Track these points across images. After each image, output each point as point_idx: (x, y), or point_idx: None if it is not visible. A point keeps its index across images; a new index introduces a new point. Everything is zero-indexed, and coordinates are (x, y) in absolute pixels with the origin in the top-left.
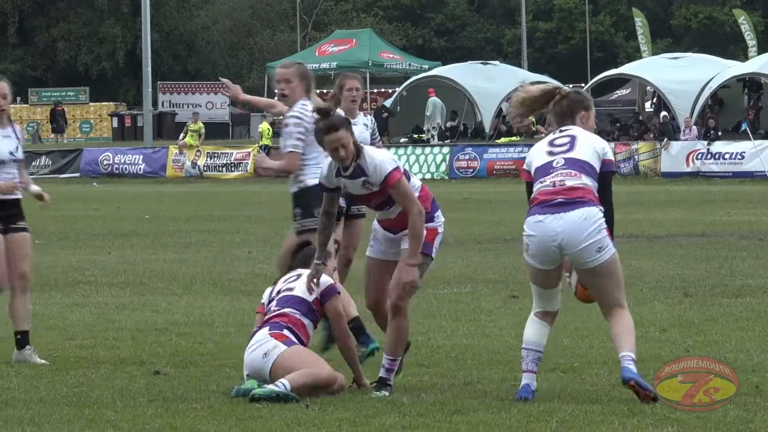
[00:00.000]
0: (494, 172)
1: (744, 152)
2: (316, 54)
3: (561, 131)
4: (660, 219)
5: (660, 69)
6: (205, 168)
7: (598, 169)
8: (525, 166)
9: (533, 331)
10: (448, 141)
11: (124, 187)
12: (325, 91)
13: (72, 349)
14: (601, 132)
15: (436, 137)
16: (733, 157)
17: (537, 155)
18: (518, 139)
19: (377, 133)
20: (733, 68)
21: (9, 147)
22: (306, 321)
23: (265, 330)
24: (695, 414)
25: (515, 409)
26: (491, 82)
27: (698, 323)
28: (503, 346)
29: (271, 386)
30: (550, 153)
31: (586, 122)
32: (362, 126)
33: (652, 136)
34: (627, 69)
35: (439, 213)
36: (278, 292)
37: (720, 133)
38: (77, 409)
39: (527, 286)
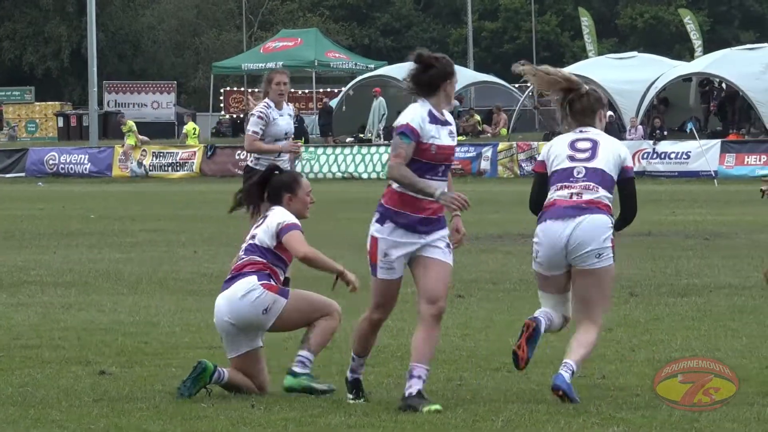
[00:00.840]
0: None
1: (690, 152)
2: (262, 53)
3: (582, 131)
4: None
5: (606, 69)
6: (150, 167)
7: (616, 178)
8: (542, 157)
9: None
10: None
11: (69, 187)
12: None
13: (17, 349)
14: (548, 134)
15: (376, 139)
16: (678, 156)
17: (558, 155)
18: (464, 138)
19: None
20: (678, 68)
21: None
22: (278, 270)
23: (254, 278)
24: (640, 413)
25: (461, 408)
26: None
27: (644, 323)
28: (449, 346)
29: (304, 379)
30: (572, 158)
31: (603, 121)
32: (287, 116)
33: None
34: (573, 69)
35: None
36: (252, 237)
37: (666, 133)
38: (22, 409)
39: (474, 286)
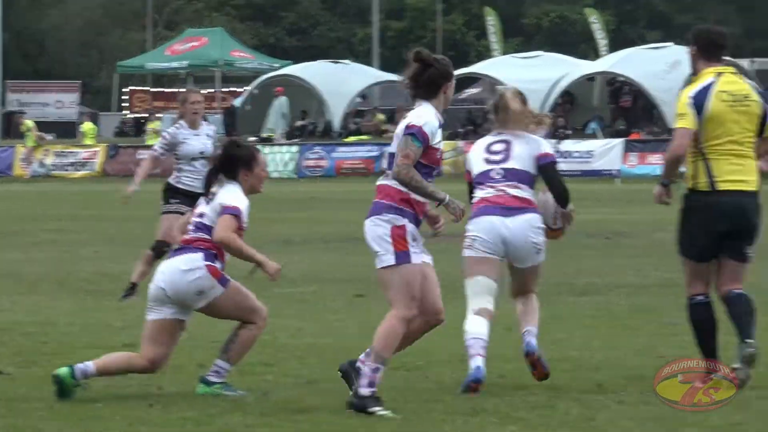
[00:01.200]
0: (342, 171)
1: (592, 151)
2: (167, 53)
3: (498, 134)
4: None
5: (511, 68)
6: (52, 167)
7: (534, 171)
8: (467, 167)
9: (476, 323)
10: (296, 140)
11: None
12: (175, 90)
13: None
14: (452, 134)
15: (279, 138)
16: (581, 155)
17: (475, 160)
18: (368, 138)
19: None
20: (583, 67)
21: None
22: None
23: (200, 256)
24: (537, 412)
25: None
26: (341, 82)
27: (543, 321)
28: (348, 345)
29: (218, 388)
30: (487, 161)
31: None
32: (205, 137)
33: None
34: (478, 68)
35: None
36: (200, 215)
37: (569, 132)
38: None
39: (374, 285)
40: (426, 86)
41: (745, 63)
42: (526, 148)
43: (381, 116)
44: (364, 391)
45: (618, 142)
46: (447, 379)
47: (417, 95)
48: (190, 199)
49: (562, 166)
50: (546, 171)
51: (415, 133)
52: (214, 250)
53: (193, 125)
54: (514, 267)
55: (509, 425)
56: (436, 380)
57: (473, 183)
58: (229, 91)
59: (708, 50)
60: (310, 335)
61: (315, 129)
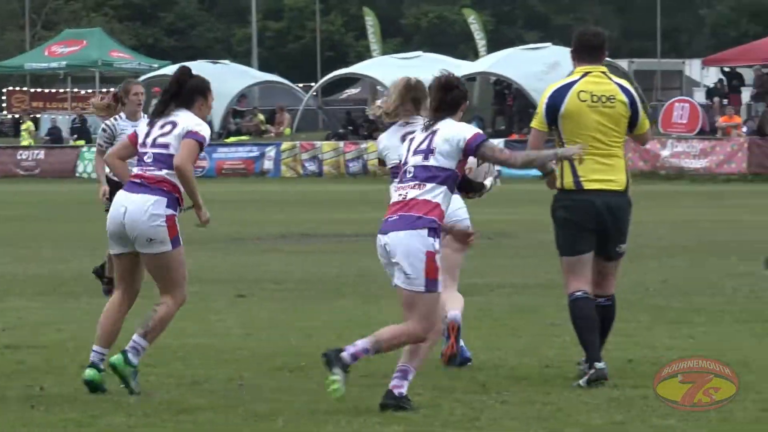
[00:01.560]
0: (223, 171)
1: None
2: (46, 54)
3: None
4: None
5: (391, 68)
6: None
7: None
8: (378, 155)
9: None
10: None
11: None
12: (54, 90)
13: None
14: (330, 134)
15: None
16: None
17: (394, 149)
18: (247, 138)
19: None
20: (462, 67)
21: None
22: (181, 193)
23: (164, 203)
24: (422, 412)
25: (241, 408)
26: (221, 82)
27: None
28: (231, 346)
29: (129, 370)
30: (408, 150)
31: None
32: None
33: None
34: (357, 68)
35: None
36: (154, 141)
37: None
38: None
39: (256, 286)
40: (450, 106)
41: (623, 64)
42: None
43: (261, 116)
44: (346, 356)
45: (498, 143)
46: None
47: (443, 114)
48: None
49: None
50: None
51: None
52: (176, 194)
53: (134, 116)
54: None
55: (393, 425)
56: (319, 381)
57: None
58: (108, 92)
59: (580, 51)
60: (192, 336)
61: None
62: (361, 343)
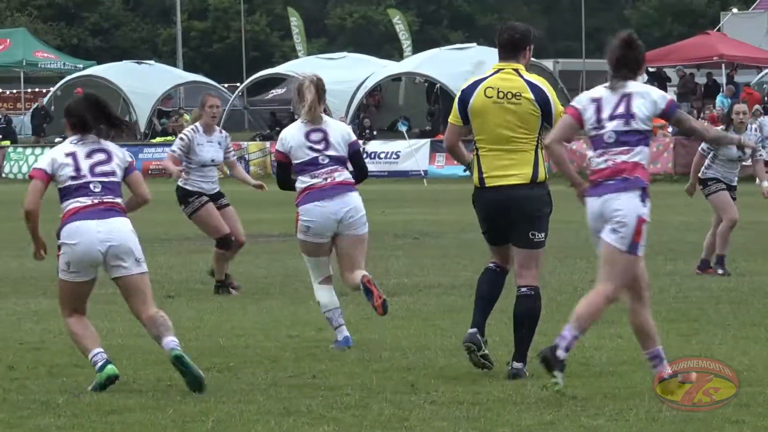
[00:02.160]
0: (150, 171)
1: (399, 152)
2: None
3: (314, 125)
4: None
5: (316, 68)
6: None
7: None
8: (281, 149)
9: (326, 294)
10: None
11: None
12: None
13: None
14: (257, 135)
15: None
16: (388, 156)
17: (297, 147)
18: (173, 138)
19: (230, 148)
20: (388, 67)
21: None
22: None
23: (124, 226)
24: (351, 412)
25: (171, 409)
26: (146, 82)
27: (354, 322)
28: (158, 346)
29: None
30: (312, 149)
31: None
32: (217, 144)
33: None
34: (283, 68)
35: None
36: (92, 169)
37: (375, 133)
38: None
39: (183, 286)
40: (635, 64)
41: (549, 64)
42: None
43: (187, 116)
44: (561, 353)
45: (424, 143)
46: (259, 379)
47: (624, 72)
48: (194, 196)
49: (369, 167)
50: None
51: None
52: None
53: (209, 129)
54: (346, 236)
55: (322, 425)
56: (247, 381)
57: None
58: (33, 92)
59: (498, 48)
60: (121, 336)
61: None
62: (568, 333)
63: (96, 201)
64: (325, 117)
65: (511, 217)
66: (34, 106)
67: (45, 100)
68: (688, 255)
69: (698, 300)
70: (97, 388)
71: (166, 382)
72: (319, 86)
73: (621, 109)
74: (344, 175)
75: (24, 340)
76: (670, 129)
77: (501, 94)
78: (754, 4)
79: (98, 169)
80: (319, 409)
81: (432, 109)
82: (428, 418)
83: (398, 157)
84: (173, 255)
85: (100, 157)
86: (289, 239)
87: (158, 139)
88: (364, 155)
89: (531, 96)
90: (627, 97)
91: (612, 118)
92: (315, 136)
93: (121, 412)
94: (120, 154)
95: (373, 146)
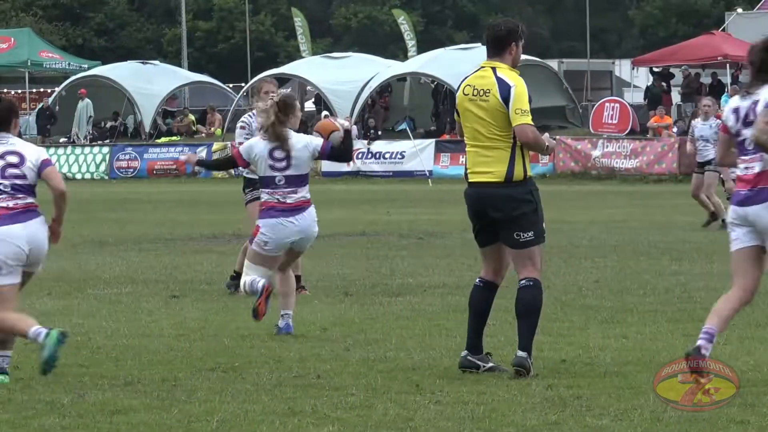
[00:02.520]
0: (155, 172)
1: (404, 152)
2: None
3: (275, 144)
4: (320, 218)
5: (322, 68)
6: None
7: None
8: (243, 154)
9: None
10: (107, 141)
11: None
12: None
13: None
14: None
15: (84, 140)
16: (393, 156)
17: (261, 161)
18: (178, 138)
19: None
20: (393, 68)
21: None
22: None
23: (42, 228)
24: (355, 412)
25: (176, 409)
26: (151, 82)
27: (359, 322)
28: (164, 347)
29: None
30: (272, 167)
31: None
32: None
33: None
34: (287, 69)
35: None
36: (20, 176)
37: (380, 133)
38: None
39: (188, 287)
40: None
41: (553, 64)
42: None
43: (192, 117)
44: (707, 353)
45: (429, 143)
46: (264, 380)
47: (760, 78)
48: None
49: (374, 167)
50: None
51: None
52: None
53: None
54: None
55: (327, 425)
56: (252, 381)
57: None
58: (38, 92)
59: (486, 45)
60: (126, 336)
61: (126, 130)
62: (711, 329)
63: (11, 205)
64: (290, 133)
65: (489, 216)
66: (39, 106)
67: (50, 100)
68: (693, 255)
69: (703, 300)
70: (54, 351)
71: (171, 383)
72: (281, 106)
73: (751, 116)
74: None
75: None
76: (675, 129)
77: (475, 92)
78: (759, 4)
79: (9, 171)
80: (323, 409)
81: (439, 110)
82: (433, 419)
83: (403, 157)
84: (178, 255)
85: (12, 159)
86: None
87: (163, 140)
88: (369, 155)
89: (498, 93)
90: (754, 105)
91: (746, 124)
92: (278, 154)
93: (126, 413)
94: (33, 157)
95: (377, 146)
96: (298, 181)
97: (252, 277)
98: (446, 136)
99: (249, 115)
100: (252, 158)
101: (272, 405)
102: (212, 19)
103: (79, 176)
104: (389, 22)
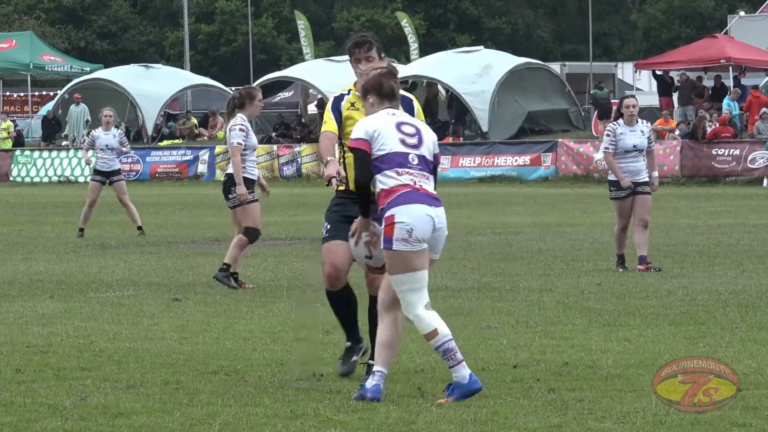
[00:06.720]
0: (157, 174)
1: None
2: None
3: (395, 114)
4: (322, 221)
5: (324, 71)
6: None
7: None
8: (365, 136)
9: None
10: None
11: None
12: None
13: None
14: (264, 137)
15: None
16: None
17: (388, 135)
18: (181, 141)
19: None
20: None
21: None
22: None
23: None
24: (358, 415)
25: (178, 412)
26: (154, 85)
27: (361, 325)
28: (166, 349)
29: None
30: (403, 142)
31: None
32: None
33: (314, 137)
34: (290, 72)
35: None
36: None
37: None
38: None
39: (191, 289)
40: None
41: (556, 67)
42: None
43: (194, 120)
44: None
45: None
46: (266, 382)
47: None
48: (253, 185)
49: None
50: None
51: None
52: None
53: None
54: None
55: (329, 428)
56: (254, 384)
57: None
58: (40, 95)
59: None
60: (128, 339)
61: (128, 133)
62: None
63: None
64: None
65: None
66: (43, 113)
67: (51, 105)
68: (696, 258)
69: (705, 303)
70: None
71: (174, 386)
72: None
73: None
74: None
75: (31, 344)
76: (677, 131)
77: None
78: (762, 7)
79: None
80: (326, 412)
81: (449, 115)
82: (435, 422)
83: None
84: (180, 258)
85: None
86: (297, 242)
87: (165, 142)
88: None
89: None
90: None
91: None
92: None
93: (128, 416)
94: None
95: None
96: (428, 164)
97: (443, 333)
98: (448, 139)
99: (241, 118)
100: (369, 134)
101: (274, 408)
102: (214, 22)
103: (81, 179)
104: (392, 25)
